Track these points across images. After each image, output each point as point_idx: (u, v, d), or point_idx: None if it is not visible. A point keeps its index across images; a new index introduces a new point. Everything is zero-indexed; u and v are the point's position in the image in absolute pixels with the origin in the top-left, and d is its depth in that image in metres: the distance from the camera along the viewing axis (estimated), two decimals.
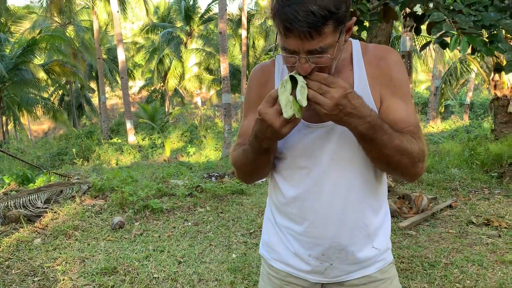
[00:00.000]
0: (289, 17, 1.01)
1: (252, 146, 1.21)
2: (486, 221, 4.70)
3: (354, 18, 1.16)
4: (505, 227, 4.48)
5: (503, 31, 2.59)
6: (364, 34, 5.71)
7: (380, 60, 1.24)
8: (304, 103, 1.06)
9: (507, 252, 3.79)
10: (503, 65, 2.71)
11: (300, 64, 1.09)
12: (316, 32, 1.02)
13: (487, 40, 2.36)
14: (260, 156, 1.24)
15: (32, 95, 23.15)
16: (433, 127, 18.67)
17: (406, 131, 1.19)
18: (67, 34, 25.82)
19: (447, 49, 2.49)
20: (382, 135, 1.10)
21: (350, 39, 1.28)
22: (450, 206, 5.48)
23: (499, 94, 10.11)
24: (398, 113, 1.21)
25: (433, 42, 2.78)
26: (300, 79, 1.08)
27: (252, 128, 1.20)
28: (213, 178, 8.35)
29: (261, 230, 4.76)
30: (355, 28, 4.00)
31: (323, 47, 1.05)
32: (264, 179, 6.91)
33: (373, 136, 1.10)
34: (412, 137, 1.19)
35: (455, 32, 2.35)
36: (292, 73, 1.10)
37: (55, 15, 25.94)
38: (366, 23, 3.58)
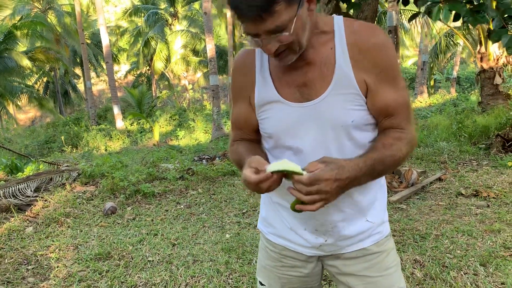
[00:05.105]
0: (237, 4, 1.01)
1: None
2: (474, 192, 4.77)
3: None
4: (493, 197, 4.56)
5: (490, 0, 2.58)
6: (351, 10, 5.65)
7: (364, 43, 1.17)
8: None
9: (496, 221, 3.86)
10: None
11: (263, 46, 1.09)
12: (266, 14, 1.00)
13: (473, 10, 2.35)
14: None
15: (16, 83, 22.72)
16: (421, 102, 18.75)
17: (394, 124, 1.20)
18: (48, 19, 25.25)
19: (434, 22, 2.48)
20: (377, 170, 1.15)
21: (334, 15, 1.25)
22: (439, 179, 5.55)
23: (485, 66, 10.17)
24: (386, 99, 1.18)
25: (421, 14, 2.77)
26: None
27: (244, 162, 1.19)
28: (204, 160, 8.34)
29: (253, 210, 4.79)
30: (344, 5, 3.95)
31: (280, 25, 1.03)
32: None
33: (373, 177, 1.19)
34: (400, 131, 1.20)
35: (439, 2, 2.34)
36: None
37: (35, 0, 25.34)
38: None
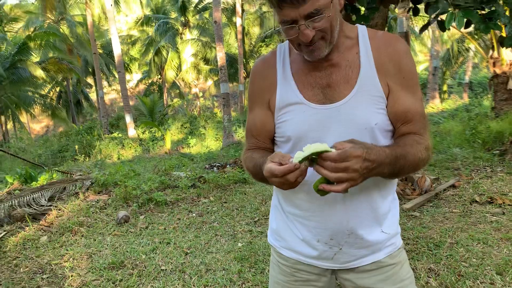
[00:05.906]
0: None
1: (262, 176, 1.17)
2: (489, 199, 4.70)
3: None
4: (508, 204, 4.48)
5: (503, 6, 2.57)
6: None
7: (388, 48, 1.22)
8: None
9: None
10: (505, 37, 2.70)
11: (301, 32, 1.11)
12: None
13: (485, 17, 2.34)
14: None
15: (30, 93, 23.08)
16: (432, 108, 18.60)
17: (413, 130, 1.22)
18: (61, 30, 25.65)
19: (447, 28, 2.47)
20: (399, 163, 1.13)
21: (357, 24, 1.29)
22: (453, 186, 5.48)
23: (498, 71, 10.06)
24: (406, 105, 1.21)
25: (432, 20, 2.77)
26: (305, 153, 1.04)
27: (262, 163, 1.18)
28: (215, 168, 8.36)
29: (265, 218, 4.78)
30: (353, 17, 3.96)
31: (318, 9, 1.07)
32: None
33: (395, 170, 1.14)
34: (419, 136, 1.21)
35: (451, 9, 2.34)
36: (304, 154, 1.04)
37: (49, 11, 25.74)
38: (362, 10, 3.53)
